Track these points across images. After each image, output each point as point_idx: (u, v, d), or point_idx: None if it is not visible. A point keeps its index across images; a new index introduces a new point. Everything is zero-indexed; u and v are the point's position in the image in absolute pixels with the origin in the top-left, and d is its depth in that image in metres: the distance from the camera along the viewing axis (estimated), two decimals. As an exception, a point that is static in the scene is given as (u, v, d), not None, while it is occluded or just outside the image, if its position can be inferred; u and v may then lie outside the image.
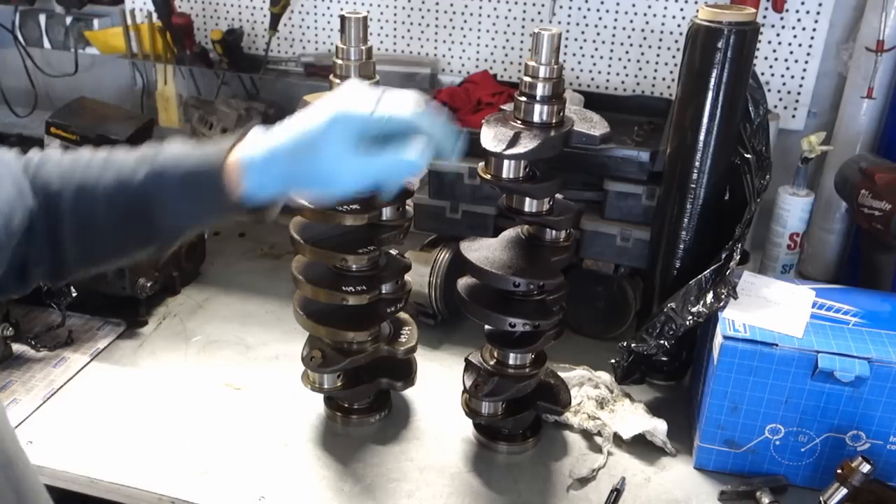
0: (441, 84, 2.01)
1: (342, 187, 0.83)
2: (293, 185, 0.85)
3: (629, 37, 1.89)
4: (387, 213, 1.22)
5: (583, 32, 1.91)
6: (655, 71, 1.90)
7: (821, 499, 1.07)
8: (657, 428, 1.27)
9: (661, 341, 1.28)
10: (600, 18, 1.89)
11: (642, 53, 1.89)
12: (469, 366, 1.27)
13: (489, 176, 1.13)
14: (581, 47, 1.93)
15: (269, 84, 2.16)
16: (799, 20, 1.77)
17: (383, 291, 1.26)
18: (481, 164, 1.15)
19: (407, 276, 1.31)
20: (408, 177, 0.88)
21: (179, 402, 1.35)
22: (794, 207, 1.56)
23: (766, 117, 1.32)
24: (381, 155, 0.83)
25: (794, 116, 1.84)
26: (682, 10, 1.83)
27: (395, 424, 1.33)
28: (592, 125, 1.13)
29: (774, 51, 1.80)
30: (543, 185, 1.14)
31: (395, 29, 2.05)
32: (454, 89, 1.75)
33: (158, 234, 0.87)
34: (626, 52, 1.90)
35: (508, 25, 1.96)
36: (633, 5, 1.85)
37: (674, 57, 1.87)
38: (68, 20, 2.24)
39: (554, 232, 1.20)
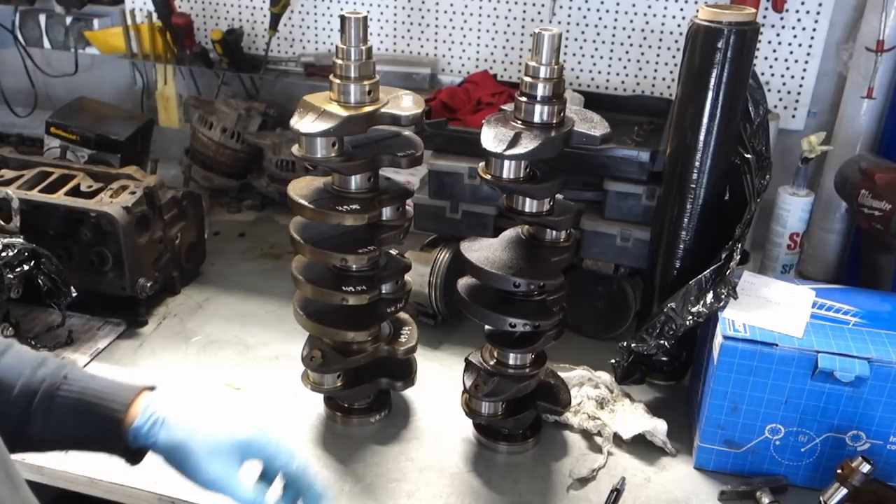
0: (441, 84, 2.01)
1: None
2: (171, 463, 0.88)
3: (629, 37, 1.89)
4: (387, 213, 1.22)
5: (583, 32, 1.91)
6: (655, 71, 1.90)
7: (821, 499, 1.07)
8: (657, 428, 1.27)
9: (661, 341, 1.28)
10: (600, 18, 1.89)
11: (642, 53, 1.89)
12: (469, 366, 1.27)
13: (489, 176, 1.13)
14: (581, 47, 1.93)
15: (269, 84, 2.16)
16: (799, 20, 1.77)
17: (383, 291, 1.26)
18: (481, 164, 1.15)
19: (407, 276, 1.31)
20: None
21: (179, 403, 1.34)
22: (794, 207, 1.56)
23: (766, 117, 1.32)
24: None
25: (794, 116, 1.84)
26: (682, 10, 1.83)
27: (395, 424, 1.33)
28: (593, 125, 1.13)
29: (774, 51, 1.80)
30: (543, 185, 1.14)
31: (395, 29, 2.05)
32: (454, 89, 1.75)
33: (24, 441, 0.87)
34: (626, 52, 1.90)
35: (508, 25, 1.96)
36: (633, 5, 1.85)
37: (674, 57, 1.87)
38: (68, 20, 2.24)
39: (554, 232, 1.20)
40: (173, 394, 0.93)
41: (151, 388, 0.94)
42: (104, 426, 0.87)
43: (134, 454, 0.89)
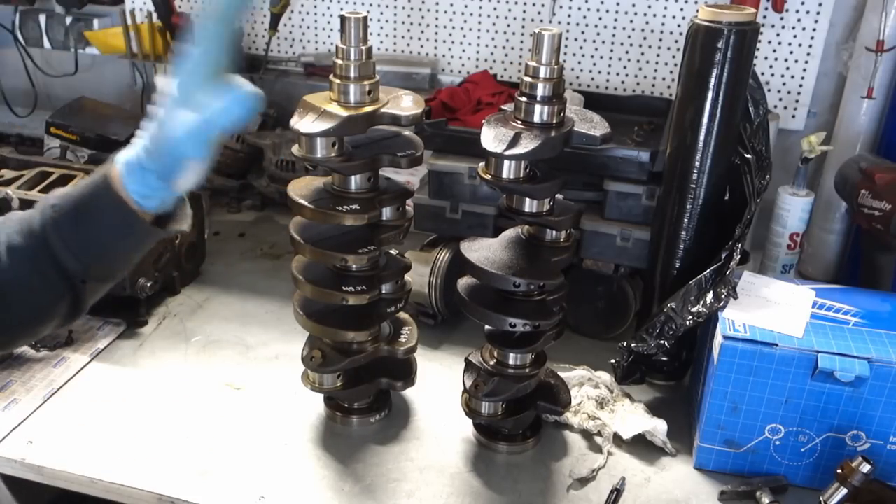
0: (441, 84, 2.01)
1: (192, 137, 0.83)
2: (164, 165, 0.85)
3: (629, 37, 1.89)
4: (387, 213, 1.22)
5: (583, 32, 1.91)
6: (655, 71, 1.90)
7: (821, 499, 1.07)
8: (657, 428, 1.27)
9: (661, 341, 1.28)
10: (600, 18, 1.89)
11: (642, 53, 1.89)
12: (469, 366, 1.27)
13: (489, 176, 1.13)
14: (581, 47, 1.93)
15: (269, 84, 2.16)
16: (799, 20, 1.77)
17: (383, 291, 1.26)
18: (481, 164, 1.15)
19: (407, 276, 1.31)
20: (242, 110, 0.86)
21: (179, 402, 1.35)
22: (794, 207, 1.56)
23: (766, 117, 1.32)
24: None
25: (794, 116, 1.84)
26: (682, 10, 1.83)
27: (395, 424, 1.33)
28: (593, 125, 1.13)
29: (774, 51, 1.80)
30: (544, 185, 1.14)
31: (395, 29, 2.05)
32: (454, 89, 1.75)
33: (72, 277, 0.85)
34: (626, 52, 1.90)
35: (508, 25, 1.96)
36: (633, 5, 1.85)
37: (674, 57, 1.87)
38: (68, 20, 2.24)
39: (554, 232, 1.20)
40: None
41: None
42: (109, 204, 0.84)
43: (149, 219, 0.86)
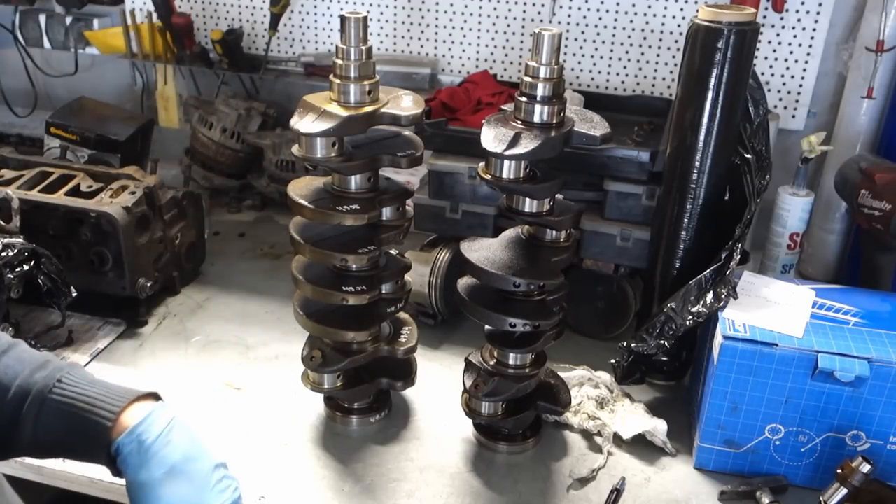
0: (441, 84, 2.01)
1: None
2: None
3: (629, 37, 1.89)
4: (387, 213, 1.22)
5: (583, 32, 1.91)
6: (655, 71, 1.90)
7: (821, 499, 1.07)
8: (657, 428, 1.27)
9: (661, 341, 1.28)
10: (600, 18, 1.89)
11: (642, 53, 1.89)
12: (469, 366, 1.27)
13: (489, 176, 1.13)
14: (581, 47, 1.93)
15: (269, 84, 2.16)
16: (799, 20, 1.77)
17: (383, 291, 1.26)
18: (481, 164, 1.15)
19: (407, 276, 1.31)
20: None
21: (179, 402, 1.35)
22: (794, 207, 1.56)
23: (766, 117, 1.32)
24: None
25: (794, 116, 1.84)
26: (682, 10, 1.83)
27: (395, 424, 1.33)
28: (593, 125, 1.13)
29: (774, 51, 1.80)
30: (544, 185, 1.14)
31: (395, 29, 2.05)
32: (454, 89, 1.75)
33: (17, 441, 0.86)
34: (626, 52, 1.90)
35: (508, 25, 1.96)
36: (633, 5, 1.85)
37: (674, 57, 1.87)
38: (68, 20, 2.24)
39: (554, 232, 1.20)
40: (171, 408, 0.90)
41: (153, 395, 0.91)
42: (91, 435, 0.85)
43: (118, 469, 0.87)
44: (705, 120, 1.26)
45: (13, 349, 0.91)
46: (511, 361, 1.24)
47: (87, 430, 0.86)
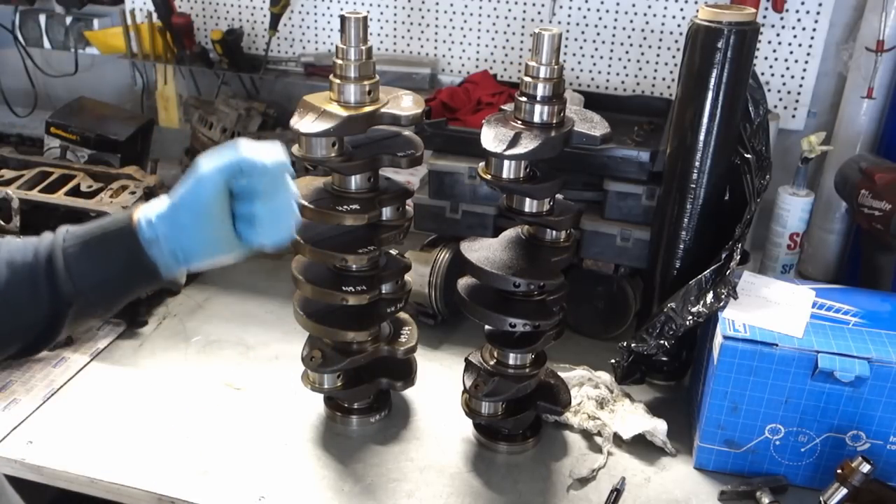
0: (441, 84, 2.01)
1: (221, 238, 0.86)
2: (183, 242, 0.86)
3: (629, 37, 1.89)
4: (387, 213, 1.22)
5: (583, 32, 1.91)
6: (655, 71, 1.90)
7: (821, 499, 1.07)
8: (657, 428, 1.27)
9: (661, 341, 1.28)
10: (600, 18, 1.89)
11: (642, 53, 1.89)
12: (469, 366, 1.27)
13: (489, 176, 1.13)
14: (581, 47, 1.93)
15: (269, 84, 2.16)
16: (799, 20, 1.77)
17: (383, 291, 1.26)
18: (481, 164, 1.15)
19: (407, 276, 1.31)
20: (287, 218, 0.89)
21: (179, 402, 1.35)
22: (794, 207, 1.56)
23: (766, 117, 1.32)
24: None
25: (794, 116, 1.84)
26: (682, 10, 1.83)
27: (395, 424, 1.33)
28: (593, 125, 1.13)
29: (774, 51, 1.80)
30: (544, 185, 1.14)
31: (395, 29, 2.05)
32: (454, 89, 1.75)
33: (61, 301, 0.86)
34: (626, 52, 1.90)
35: (508, 25, 1.96)
36: (633, 5, 1.85)
37: (674, 57, 1.87)
38: (68, 20, 2.24)
39: (554, 232, 1.20)
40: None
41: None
42: (120, 244, 0.86)
43: (156, 268, 0.87)
44: (705, 120, 1.26)
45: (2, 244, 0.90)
46: (511, 361, 1.24)
47: (113, 243, 0.86)
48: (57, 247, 0.86)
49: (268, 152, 0.85)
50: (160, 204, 0.87)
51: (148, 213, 0.87)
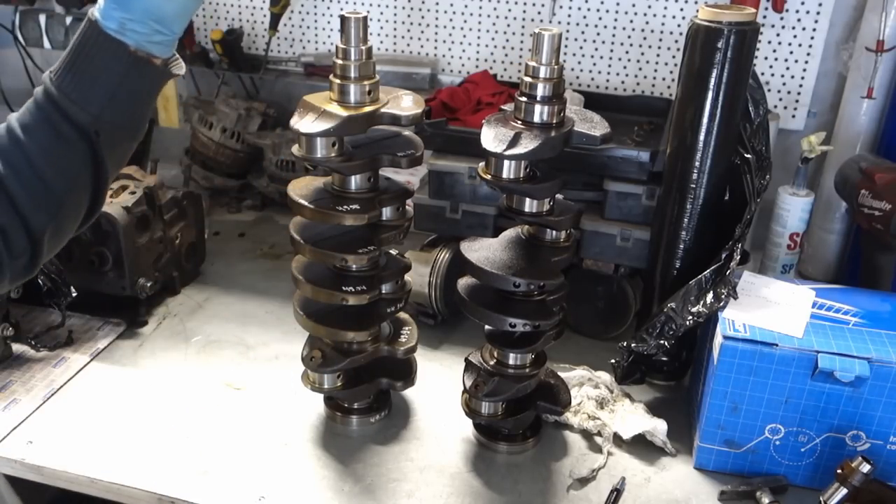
0: (441, 84, 2.01)
1: None
2: (139, 5, 0.85)
3: (629, 37, 1.89)
4: (387, 213, 1.22)
5: (583, 32, 1.91)
6: (655, 71, 1.90)
7: (821, 499, 1.07)
8: (657, 428, 1.27)
9: (661, 341, 1.28)
10: (600, 18, 1.89)
11: (642, 53, 1.89)
12: (469, 366, 1.27)
13: (489, 176, 1.13)
14: (581, 47, 1.93)
15: (269, 84, 2.16)
16: (799, 20, 1.77)
17: (383, 291, 1.26)
18: (481, 164, 1.15)
19: (407, 276, 1.31)
20: None
21: (179, 402, 1.35)
22: (794, 207, 1.56)
23: (766, 117, 1.32)
24: None
25: (794, 116, 1.84)
26: (682, 10, 1.83)
27: (395, 424, 1.33)
28: (593, 125, 1.13)
29: (774, 51, 1.80)
30: (544, 185, 1.14)
31: (395, 29, 2.05)
32: (454, 89, 1.75)
33: (86, 129, 0.87)
34: (626, 52, 1.91)
35: (508, 25, 1.96)
36: (633, 5, 1.85)
37: (674, 57, 1.87)
38: (68, 20, 2.23)
39: (554, 232, 1.20)
40: None
41: None
42: (97, 51, 0.86)
43: (145, 54, 0.87)
44: (705, 120, 1.26)
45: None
46: (511, 361, 1.24)
47: (91, 54, 0.86)
48: (50, 89, 0.87)
49: None
50: None
51: (99, 4, 0.87)
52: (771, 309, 1.22)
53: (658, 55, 1.88)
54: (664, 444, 1.27)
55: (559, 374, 1.34)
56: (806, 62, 1.79)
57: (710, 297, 1.23)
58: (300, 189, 1.20)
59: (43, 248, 0.90)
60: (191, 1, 0.88)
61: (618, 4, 1.86)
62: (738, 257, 1.24)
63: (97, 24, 0.86)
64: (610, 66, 1.93)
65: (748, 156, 1.29)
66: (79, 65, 0.87)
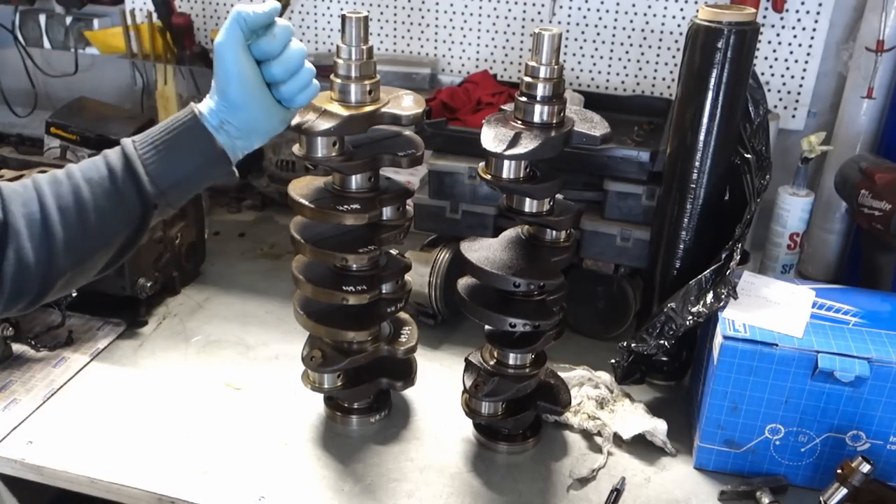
0: (441, 84, 2.01)
1: (266, 104, 0.95)
2: (240, 117, 0.94)
3: (629, 37, 1.89)
4: (387, 213, 1.22)
5: (583, 32, 1.91)
6: (655, 71, 1.90)
7: (821, 499, 1.07)
8: (657, 428, 1.27)
9: (661, 341, 1.28)
10: (600, 18, 1.89)
11: (642, 53, 1.89)
12: (469, 366, 1.27)
13: (489, 176, 1.13)
14: (581, 47, 1.93)
15: (269, 84, 2.16)
16: (799, 20, 1.77)
17: (383, 291, 1.26)
18: (481, 164, 1.15)
19: (407, 276, 1.31)
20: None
21: (179, 402, 1.35)
22: (794, 207, 1.56)
23: (766, 117, 1.32)
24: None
25: (794, 116, 1.84)
26: (682, 10, 1.83)
27: (395, 424, 1.33)
28: (593, 125, 1.13)
29: (774, 51, 1.80)
30: (544, 185, 1.14)
31: (395, 29, 2.05)
32: (454, 89, 1.75)
33: (148, 202, 0.92)
34: (626, 52, 1.90)
35: (508, 25, 1.96)
36: (633, 5, 1.85)
37: (674, 57, 1.87)
38: (68, 20, 2.24)
39: (554, 232, 1.20)
40: None
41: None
42: (192, 139, 0.93)
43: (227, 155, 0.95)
44: (705, 120, 1.26)
45: (66, 170, 0.96)
46: (511, 361, 1.24)
47: (185, 140, 0.94)
48: (132, 155, 0.92)
49: (260, 3, 0.93)
50: (210, 95, 0.95)
51: (206, 103, 0.95)
52: (771, 309, 1.22)
53: (658, 55, 1.88)
54: (664, 444, 1.27)
55: (559, 374, 1.34)
56: (806, 62, 1.79)
57: (710, 297, 1.23)
58: (301, 189, 1.20)
59: (52, 290, 0.93)
60: (279, 126, 0.99)
61: (618, 4, 1.86)
62: (738, 257, 1.24)
63: (198, 117, 0.94)
64: (610, 66, 1.93)
65: (748, 156, 1.29)
66: (168, 142, 0.93)
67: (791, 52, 1.80)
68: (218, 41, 0.92)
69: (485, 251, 1.19)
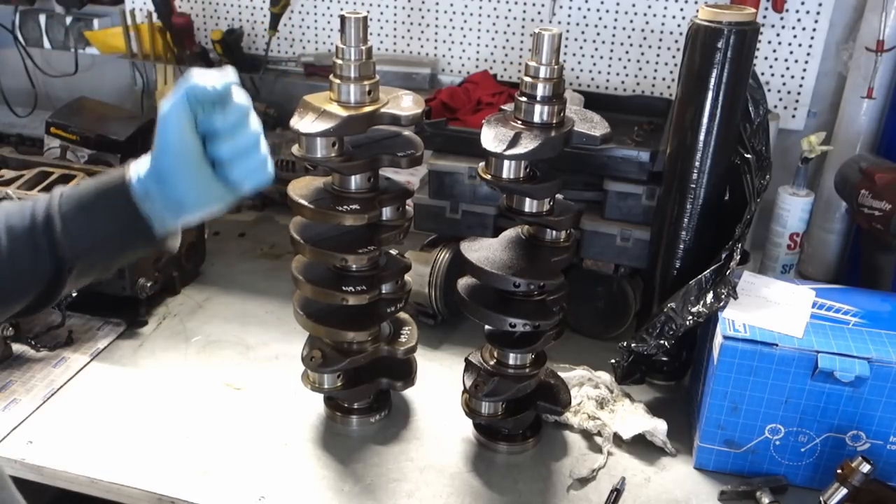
0: (441, 84, 2.01)
1: (204, 183, 0.85)
2: (169, 191, 0.85)
3: (629, 37, 1.89)
4: (387, 213, 1.22)
5: (583, 32, 1.91)
6: (655, 71, 1.90)
7: (821, 499, 1.07)
8: (657, 428, 1.27)
9: (661, 341, 1.28)
10: (600, 18, 1.89)
11: (642, 53, 1.89)
12: (469, 366, 1.27)
13: (489, 176, 1.13)
14: (581, 47, 1.93)
15: (269, 84, 2.16)
16: (799, 20, 1.77)
17: (383, 291, 1.26)
18: (481, 164, 1.15)
19: (407, 276, 1.31)
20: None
21: (179, 402, 1.35)
22: (794, 207, 1.56)
23: (766, 117, 1.32)
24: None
25: (794, 116, 1.84)
26: (682, 10, 1.83)
27: (395, 424, 1.33)
28: (593, 125, 1.13)
29: (774, 51, 1.80)
30: (544, 185, 1.14)
31: (395, 29, 2.05)
32: (454, 89, 1.75)
33: (62, 263, 0.86)
34: (626, 52, 1.90)
35: (508, 25, 1.96)
36: (633, 5, 1.85)
37: (674, 57, 1.87)
38: (68, 20, 2.24)
39: (554, 232, 1.20)
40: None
41: None
42: (115, 203, 0.86)
43: (151, 225, 0.86)
44: (705, 120, 1.26)
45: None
46: (511, 361, 1.24)
47: (108, 203, 0.86)
48: (54, 210, 0.86)
49: (215, 76, 0.83)
50: (145, 157, 0.87)
51: (138, 168, 0.87)
52: (771, 309, 1.22)
53: (658, 55, 1.88)
54: (664, 444, 1.27)
55: (559, 374, 1.34)
56: (806, 62, 1.79)
57: (710, 297, 1.23)
58: (300, 189, 1.20)
59: None
60: (215, 205, 0.87)
61: (618, 4, 1.86)
62: (738, 257, 1.24)
63: (127, 183, 0.86)
64: (610, 66, 1.93)
65: (748, 156, 1.29)
66: (91, 202, 0.86)
67: (791, 52, 1.80)
68: (162, 110, 0.84)
69: (485, 251, 1.19)
